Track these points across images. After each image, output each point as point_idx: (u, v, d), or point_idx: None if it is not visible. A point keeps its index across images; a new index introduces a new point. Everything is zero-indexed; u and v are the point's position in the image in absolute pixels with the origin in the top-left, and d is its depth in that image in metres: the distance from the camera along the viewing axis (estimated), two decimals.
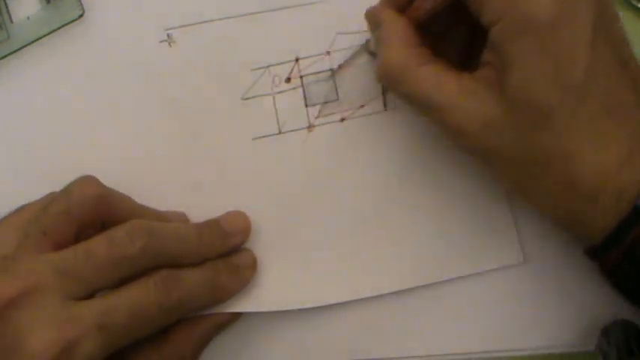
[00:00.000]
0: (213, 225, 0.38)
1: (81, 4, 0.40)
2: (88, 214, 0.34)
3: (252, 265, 0.38)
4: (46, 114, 0.40)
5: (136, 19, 0.41)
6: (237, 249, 0.38)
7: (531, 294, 0.39)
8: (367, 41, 0.40)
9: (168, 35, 0.41)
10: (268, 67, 0.40)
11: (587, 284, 0.38)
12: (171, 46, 0.41)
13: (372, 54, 0.40)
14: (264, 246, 0.39)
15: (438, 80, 0.33)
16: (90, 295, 0.32)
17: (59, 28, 0.40)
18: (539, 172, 0.32)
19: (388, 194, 0.39)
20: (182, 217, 0.39)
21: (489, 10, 0.31)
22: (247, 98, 0.40)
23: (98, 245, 0.33)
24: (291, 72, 0.40)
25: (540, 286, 0.39)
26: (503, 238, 0.39)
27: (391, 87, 0.35)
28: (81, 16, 0.40)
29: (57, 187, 0.35)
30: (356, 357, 0.39)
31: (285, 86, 0.40)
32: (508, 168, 0.33)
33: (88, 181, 0.35)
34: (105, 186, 0.35)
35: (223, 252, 0.37)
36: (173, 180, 0.39)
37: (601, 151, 0.31)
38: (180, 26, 0.41)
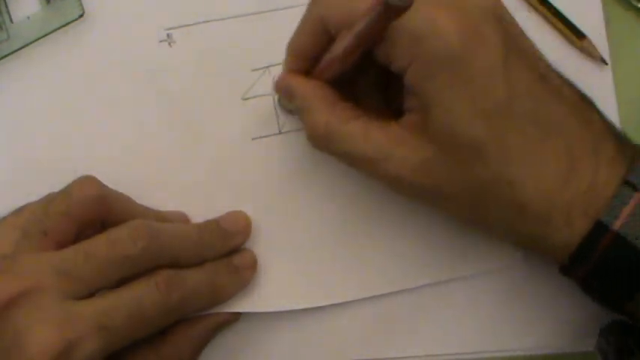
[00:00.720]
0: (213, 225, 0.38)
1: (81, 4, 0.40)
2: (88, 215, 0.34)
3: (252, 266, 0.38)
4: (46, 114, 0.40)
5: (136, 19, 0.41)
6: (237, 249, 0.38)
7: (530, 294, 0.39)
8: (279, 101, 0.40)
9: (168, 35, 0.41)
10: (268, 67, 0.40)
11: None
12: (171, 46, 0.41)
13: (290, 112, 0.40)
14: (265, 246, 0.39)
15: (365, 134, 0.33)
16: (90, 295, 0.32)
17: (59, 28, 0.40)
18: (484, 203, 0.32)
19: (388, 194, 0.39)
20: (182, 217, 0.39)
21: (397, 58, 0.31)
22: (247, 98, 0.40)
23: (99, 245, 0.33)
24: None
25: (539, 286, 0.39)
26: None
27: (324, 149, 0.34)
28: (81, 16, 0.40)
29: (57, 187, 0.35)
30: (356, 357, 0.39)
31: None
32: (454, 206, 0.33)
33: (88, 181, 0.35)
34: (105, 186, 0.35)
35: (224, 252, 0.37)
36: (173, 180, 0.39)
37: (541, 171, 0.31)
38: (180, 26, 0.41)
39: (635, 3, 0.42)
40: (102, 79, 0.40)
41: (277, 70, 0.40)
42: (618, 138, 0.33)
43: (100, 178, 0.35)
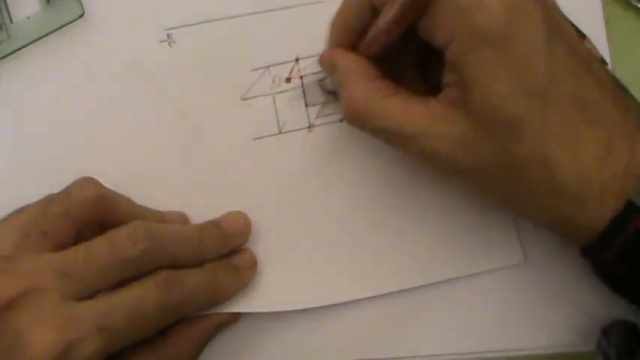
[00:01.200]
0: (213, 226, 0.38)
1: (81, 4, 0.40)
2: (88, 216, 0.34)
3: (252, 266, 0.38)
4: (46, 114, 0.40)
5: (136, 19, 0.41)
6: (237, 249, 0.38)
7: (531, 294, 0.39)
8: (321, 80, 0.40)
9: (168, 35, 0.40)
10: (268, 67, 0.40)
11: (587, 284, 0.38)
12: (171, 46, 0.41)
13: (330, 93, 0.40)
14: (264, 246, 0.39)
15: (404, 110, 0.33)
16: (90, 296, 0.32)
17: (59, 28, 0.40)
18: (520, 182, 0.32)
19: (388, 194, 0.39)
20: (182, 218, 0.39)
21: (440, 31, 0.31)
22: (247, 98, 0.40)
23: (99, 247, 0.33)
24: (291, 72, 0.40)
25: (540, 286, 0.39)
26: (504, 238, 0.39)
27: (360, 125, 0.34)
28: (81, 16, 0.40)
29: (57, 188, 0.35)
30: (356, 357, 0.39)
31: (285, 86, 0.40)
32: (489, 183, 0.33)
33: (87, 182, 0.35)
34: (104, 187, 0.35)
35: (223, 253, 0.37)
36: (173, 180, 0.39)
37: (578, 152, 0.31)
38: (180, 26, 0.41)
39: (635, 3, 0.42)
40: (102, 79, 0.40)
41: (277, 70, 0.40)
42: None
43: (99, 178, 0.35)
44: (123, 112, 0.40)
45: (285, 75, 0.40)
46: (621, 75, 0.40)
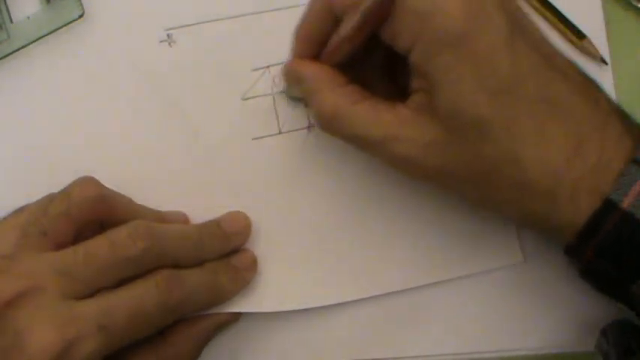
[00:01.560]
0: (213, 226, 0.38)
1: (81, 4, 0.40)
2: (88, 215, 0.34)
3: (252, 266, 0.38)
4: (46, 114, 0.40)
5: (136, 19, 0.41)
6: (237, 249, 0.38)
7: (531, 294, 0.39)
8: (286, 92, 0.40)
9: (168, 35, 0.41)
10: (268, 67, 0.40)
11: (586, 284, 0.38)
12: (171, 46, 0.41)
13: (296, 100, 0.40)
14: (264, 246, 0.39)
15: (373, 115, 0.33)
16: (90, 295, 0.32)
17: (59, 28, 0.40)
18: (491, 182, 0.32)
19: (388, 194, 0.39)
20: (182, 218, 0.39)
21: (402, 37, 0.31)
22: (247, 98, 0.40)
23: (99, 246, 0.33)
24: None
25: (540, 286, 0.39)
26: (504, 237, 0.39)
27: (331, 132, 0.35)
28: (81, 16, 0.40)
29: (57, 188, 0.35)
30: (356, 357, 0.39)
31: (285, 86, 0.40)
32: (461, 185, 0.33)
33: (87, 181, 0.35)
34: (104, 187, 0.35)
35: (223, 253, 0.37)
36: (173, 180, 0.39)
37: (547, 149, 0.31)
38: (180, 26, 0.41)
39: (635, 3, 0.42)
40: (102, 79, 0.40)
41: (277, 70, 0.40)
42: (624, 118, 0.33)
43: (100, 177, 0.35)
44: (123, 112, 0.40)
45: None
46: (621, 75, 0.41)
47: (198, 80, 0.40)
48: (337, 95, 0.34)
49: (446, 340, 0.38)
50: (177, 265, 0.35)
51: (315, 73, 0.35)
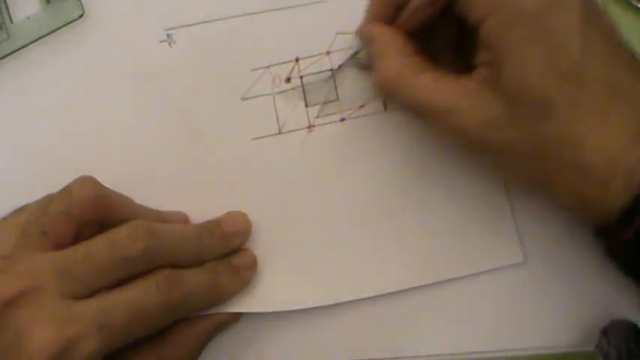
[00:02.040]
0: (213, 226, 0.38)
1: (81, 4, 0.40)
2: (88, 214, 0.34)
3: (252, 266, 0.38)
4: (46, 114, 0.40)
5: (136, 19, 0.41)
6: (237, 249, 0.38)
7: (531, 294, 0.39)
8: (355, 55, 0.40)
9: (168, 35, 0.41)
10: (268, 67, 0.40)
11: (587, 284, 0.38)
12: (171, 46, 0.41)
13: (363, 67, 0.40)
14: (265, 246, 0.39)
15: (436, 86, 0.33)
16: (90, 295, 0.32)
17: (59, 28, 0.40)
18: (548, 161, 0.32)
19: (388, 194, 0.39)
20: (182, 218, 0.39)
21: (476, 8, 0.32)
22: (247, 98, 0.40)
23: (99, 245, 0.33)
24: (291, 72, 0.40)
25: (540, 286, 0.39)
26: (504, 237, 0.39)
27: (391, 98, 0.35)
28: (81, 16, 0.40)
29: (57, 187, 0.35)
30: (356, 357, 0.39)
31: (285, 86, 0.40)
32: (516, 162, 0.33)
33: (86, 181, 0.35)
34: (104, 186, 0.35)
35: (224, 252, 0.37)
36: (173, 180, 0.39)
37: (608, 134, 0.31)
38: (181, 26, 0.41)
39: (635, 3, 0.42)
40: (102, 80, 0.40)
41: (277, 70, 0.40)
42: None
43: (99, 177, 0.35)
44: (123, 112, 0.40)
45: (285, 75, 0.40)
46: None
47: (198, 80, 0.40)
48: (403, 64, 0.34)
49: (446, 340, 0.38)
50: (177, 265, 0.35)
51: (387, 36, 0.35)
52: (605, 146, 0.31)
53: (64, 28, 0.40)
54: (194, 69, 0.40)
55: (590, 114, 0.31)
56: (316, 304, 0.38)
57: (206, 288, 0.36)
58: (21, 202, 0.37)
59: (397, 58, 0.35)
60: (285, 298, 0.38)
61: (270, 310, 0.38)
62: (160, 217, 0.37)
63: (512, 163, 0.33)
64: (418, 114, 0.35)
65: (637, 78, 0.32)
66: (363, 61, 0.40)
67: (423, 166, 0.39)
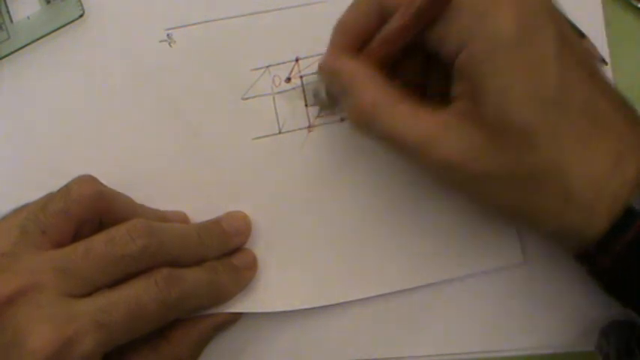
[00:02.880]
0: (213, 225, 0.38)
1: (81, 4, 0.40)
2: (87, 213, 0.34)
3: (253, 266, 0.38)
4: (46, 113, 0.40)
5: (136, 19, 0.41)
6: (237, 249, 0.38)
7: (531, 294, 0.39)
8: (315, 90, 0.39)
9: (168, 35, 0.41)
10: (268, 67, 0.40)
11: (587, 284, 0.38)
12: (171, 46, 0.41)
13: (324, 106, 0.39)
14: (265, 246, 0.39)
15: (415, 117, 0.32)
16: (89, 293, 0.32)
17: (59, 28, 0.40)
18: (532, 191, 0.32)
19: (388, 195, 0.39)
20: (182, 217, 0.39)
21: (451, 40, 0.31)
22: (247, 98, 0.40)
23: (98, 243, 0.33)
24: (292, 72, 0.40)
25: (540, 286, 0.39)
26: (504, 237, 0.39)
27: (367, 131, 0.33)
28: (81, 16, 0.40)
29: (57, 186, 0.35)
30: (356, 357, 0.39)
31: (285, 86, 0.40)
32: (499, 193, 0.32)
33: (86, 179, 0.35)
34: (103, 185, 0.35)
35: (223, 252, 0.37)
36: (173, 180, 0.40)
37: (591, 160, 0.31)
38: (181, 26, 0.41)
39: (635, 3, 0.42)
40: (102, 79, 0.40)
41: (277, 70, 0.40)
42: None
43: (100, 177, 0.35)
44: (123, 111, 0.40)
45: (286, 75, 0.40)
46: (621, 75, 0.41)
47: (198, 80, 0.40)
48: (377, 93, 0.33)
49: (446, 340, 0.38)
50: (176, 264, 0.35)
51: (356, 68, 0.34)
52: (589, 172, 0.31)
53: (64, 28, 0.40)
54: (194, 69, 0.40)
55: (572, 141, 0.31)
56: (315, 305, 0.38)
57: (205, 287, 0.36)
58: (21, 201, 0.37)
59: (372, 87, 0.33)
60: (286, 299, 0.38)
61: (269, 310, 0.38)
62: (160, 216, 0.38)
63: (494, 193, 0.33)
64: (396, 146, 0.33)
65: (613, 105, 0.32)
66: (323, 95, 0.38)
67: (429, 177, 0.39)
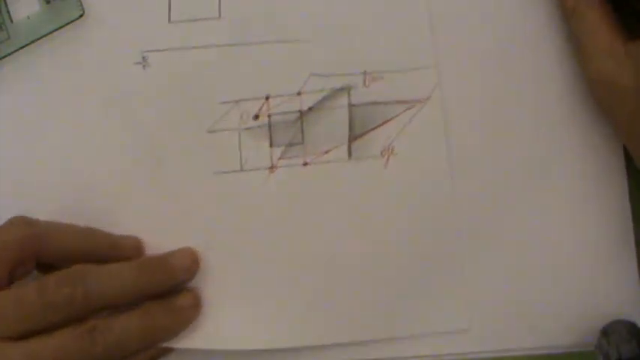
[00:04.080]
0: (157, 260, 0.37)
1: (81, 4, 0.40)
2: (17, 257, 0.35)
3: (196, 305, 0.38)
4: (45, 113, 0.40)
5: (114, 38, 0.40)
6: (181, 286, 0.38)
7: (531, 294, 0.38)
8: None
9: (143, 58, 0.40)
10: (238, 101, 0.40)
11: (587, 284, 0.38)
12: (144, 68, 0.40)
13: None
14: (218, 281, 0.38)
15: (604, 25, 0.36)
16: (21, 338, 0.33)
17: (59, 28, 0.40)
18: None
19: (343, 243, 0.39)
20: (136, 244, 0.39)
21: None
22: (213, 131, 0.40)
23: (29, 291, 0.33)
24: (260, 109, 0.40)
25: (540, 286, 0.38)
26: (454, 302, 0.38)
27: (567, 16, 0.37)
28: (81, 16, 0.40)
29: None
30: (356, 357, 0.38)
31: (252, 123, 0.40)
32: None
33: (15, 223, 0.35)
34: (36, 225, 0.35)
35: (167, 288, 0.37)
36: (132, 206, 0.39)
37: None
38: (157, 50, 0.40)
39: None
40: (76, 95, 0.40)
41: (246, 106, 0.40)
42: None
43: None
44: (90, 129, 0.40)
45: (254, 111, 0.40)
46: None
47: (167, 106, 0.40)
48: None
49: (445, 340, 0.38)
50: (111, 306, 0.35)
51: None
52: None
53: (64, 28, 0.40)
54: (164, 95, 0.40)
55: None
56: (262, 347, 0.38)
57: (137, 334, 0.35)
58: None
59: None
60: (235, 337, 0.38)
61: (217, 347, 0.38)
62: (112, 242, 0.38)
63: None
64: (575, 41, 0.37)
65: None
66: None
67: (380, 220, 0.39)
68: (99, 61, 0.40)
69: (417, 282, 0.38)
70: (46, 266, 0.36)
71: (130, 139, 0.40)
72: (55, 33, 0.40)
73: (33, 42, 0.40)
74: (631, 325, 0.35)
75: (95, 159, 0.40)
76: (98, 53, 0.40)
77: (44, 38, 0.40)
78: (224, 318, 0.38)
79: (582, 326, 0.38)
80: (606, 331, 0.36)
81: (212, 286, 0.38)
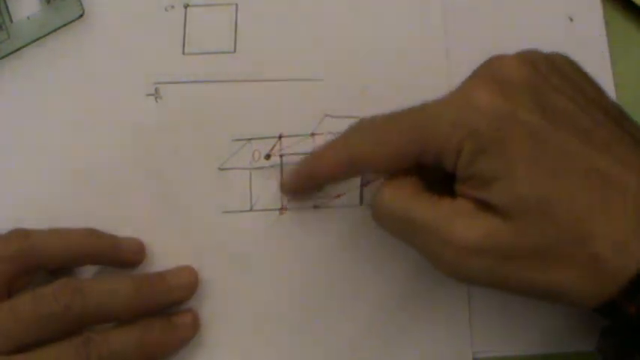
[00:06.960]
0: (155, 277, 0.37)
1: (81, 4, 0.40)
2: (13, 270, 0.34)
3: (193, 324, 0.37)
4: (45, 113, 0.40)
5: (125, 67, 0.40)
6: (180, 305, 0.37)
7: None
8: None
9: (156, 89, 0.40)
10: (250, 139, 0.39)
11: None
12: (157, 101, 0.40)
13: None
14: (219, 314, 0.38)
15: (430, 204, 0.32)
16: (15, 351, 0.33)
17: (59, 28, 0.41)
18: (556, 263, 0.30)
19: (354, 287, 0.38)
20: (137, 245, 0.38)
21: (447, 156, 0.31)
22: (224, 169, 0.39)
23: (24, 303, 0.33)
24: (273, 149, 0.39)
25: None
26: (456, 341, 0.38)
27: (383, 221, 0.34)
28: (81, 16, 0.41)
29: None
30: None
31: (263, 162, 0.39)
32: (524, 268, 0.31)
33: (13, 236, 0.35)
34: (31, 235, 0.35)
35: (164, 305, 0.37)
36: (138, 236, 0.38)
37: (613, 221, 0.30)
38: (170, 82, 0.40)
39: (636, 3, 0.42)
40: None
41: (259, 145, 0.39)
42: None
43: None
44: (102, 155, 0.39)
45: (266, 151, 0.39)
46: (621, 75, 0.41)
47: (178, 141, 0.39)
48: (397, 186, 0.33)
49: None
50: (107, 320, 0.35)
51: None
52: (613, 236, 0.30)
53: (64, 28, 0.41)
54: (175, 129, 0.40)
55: (589, 204, 0.30)
56: None
57: (133, 348, 0.35)
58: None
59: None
60: None
61: None
62: (114, 243, 0.37)
63: (517, 271, 0.31)
64: (410, 229, 0.33)
65: (615, 159, 0.31)
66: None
67: (390, 264, 0.38)
68: (110, 87, 0.40)
69: (419, 322, 0.38)
70: (55, 271, 0.36)
71: (139, 171, 0.39)
72: (55, 33, 0.40)
73: (33, 42, 0.40)
74: (631, 326, 0.35)
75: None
76: (110, 78, 0.40)
77: (44, 38, 0.40)
78: (219, 354, 0.37)
79: (582, 326, 0.38)
80: (606, 331, 0.36)
81: (211, 311, 0.38)
